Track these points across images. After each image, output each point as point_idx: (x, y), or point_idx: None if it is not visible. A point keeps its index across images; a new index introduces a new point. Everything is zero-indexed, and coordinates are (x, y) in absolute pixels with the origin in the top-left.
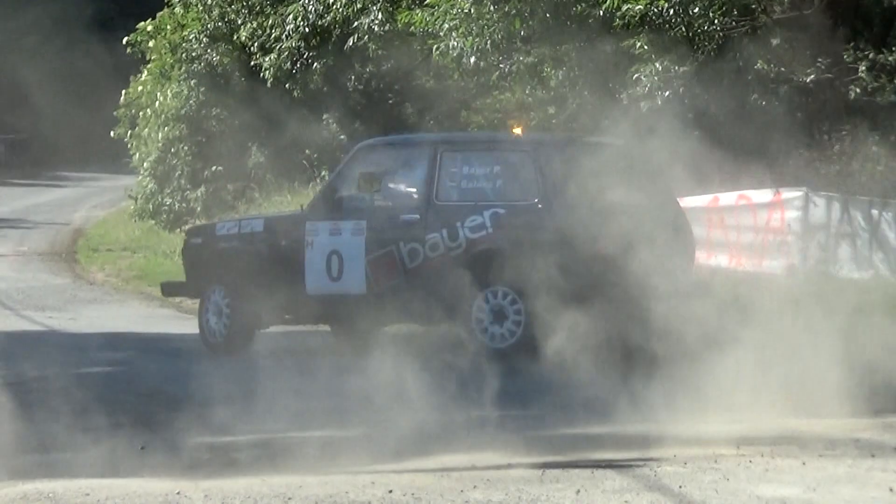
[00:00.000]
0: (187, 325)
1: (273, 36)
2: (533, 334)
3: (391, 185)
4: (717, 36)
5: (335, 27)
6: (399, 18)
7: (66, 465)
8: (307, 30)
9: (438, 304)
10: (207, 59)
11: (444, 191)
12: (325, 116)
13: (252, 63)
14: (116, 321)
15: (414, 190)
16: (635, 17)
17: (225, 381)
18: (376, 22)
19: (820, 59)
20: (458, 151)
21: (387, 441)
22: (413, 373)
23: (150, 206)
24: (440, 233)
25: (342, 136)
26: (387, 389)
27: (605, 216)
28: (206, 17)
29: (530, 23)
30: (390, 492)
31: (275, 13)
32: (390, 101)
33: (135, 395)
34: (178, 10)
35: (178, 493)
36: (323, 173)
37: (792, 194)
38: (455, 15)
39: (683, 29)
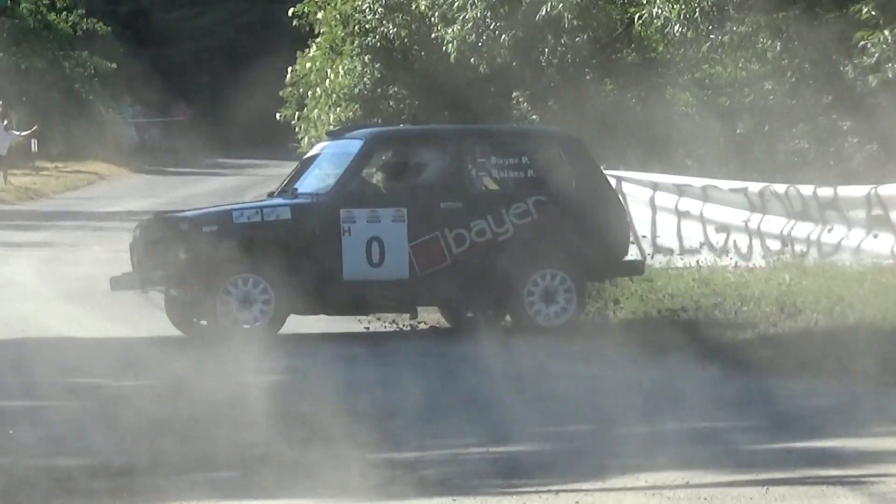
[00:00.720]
0: (346, 324)
1: (456, 5)
2: (580, 312)
3: (424, 175)
4: None
5: None
6: None
7: (232, 485)
8: None
9: (489, 286)
10: (383, 31)
11: (482, 180)
12: (514, 94)
13: (433, 35)
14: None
15: (452, 179)
16: None
17: (396, 389)
18: None
19: None
20: (488, 144)
21: (585, 456)
22: (595, 378)
23: None
24: (485, 219)
25: (534, 116)
26: (569, 397)
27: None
28: None
29: None
30: None
31: None
32: (587, 77)
33: (308, 405)
34: None
35: None
36: None
37: None
38: None
39: None
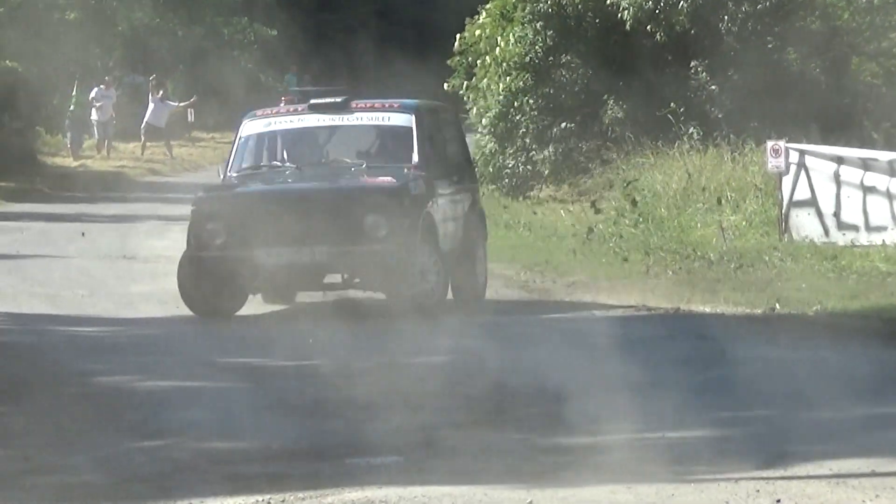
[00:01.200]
0: (534, 308)
1: None
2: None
3: None
4: None
5: None
6: None
7: (395, 470)
8: None
9: None
10: None
11: None
12: (692, 63)
13: (608, 2)
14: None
15: None
16: None
17: (570, 370)
18: None
19: None
20: None
21: (765, 442)
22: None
23: (491, 170)
24: None
25: (713, 86)
26: (748, 380)
27: None
28: None
29: None
30: (777, 501)
31: None
32: (769, 46)
33: (476, 388)
34: None
35: (531, 502)
36: (690, 130)
37: None
38: None
39: None
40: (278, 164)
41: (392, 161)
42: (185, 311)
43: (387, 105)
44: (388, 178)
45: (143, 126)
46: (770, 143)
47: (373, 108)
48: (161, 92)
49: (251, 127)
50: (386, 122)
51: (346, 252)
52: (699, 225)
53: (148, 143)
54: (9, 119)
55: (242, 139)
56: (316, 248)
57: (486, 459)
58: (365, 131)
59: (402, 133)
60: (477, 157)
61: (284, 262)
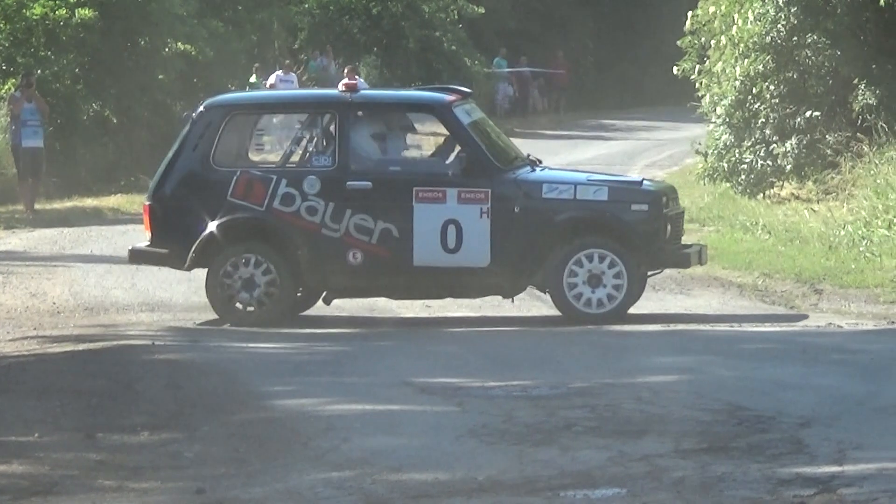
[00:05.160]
0: (778, 321)
1: None
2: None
3: None
4: None
5: None
6: None
7: None
8: None
9: None
10: None
11: None
12: None
13: None
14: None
15: None
16: None
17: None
18: None
19: None
20: None
21: None
22: None
23: (725, 165)
24: None
25: None
26: None
27: None
28: None
29: None
30: None
31: None
32: None
33: (707, 410)
34: None
35: None
36: None
37: None
38: None
39: None
40: None
41: None
42: (376, 326)
43: None
44: None
45: None
46: None
47: None
48: (357, 78)
49: None
50: None
51: None
52: None
53: None
54: (181, 108)
55: None
56: None
57: (720, 492)
58: None
59: None
60: (710, 150)
61: None
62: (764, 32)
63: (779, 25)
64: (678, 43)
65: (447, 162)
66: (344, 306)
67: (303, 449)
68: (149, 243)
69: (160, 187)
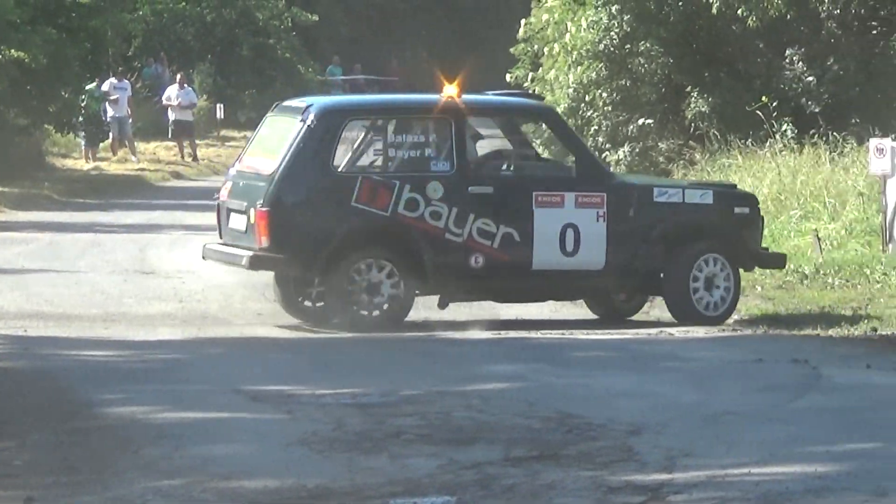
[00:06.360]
0: (609, 328)
1: None
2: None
3: None
4: None
5: None
6: None
7: None
8: None
9: None
10: None
11: None
12: (787, 52)
13: None
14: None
15: None
16: None
17: (642, 398)
18: None
19: None
20: None
21: (862, 480)
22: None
23: None
24: None
25: (810, 78)
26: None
27: None
28: None
29: None
30: None
31: None
32: (873, 32)
33: (537, 418)
34: None
35: None
36: (784, 126)
37: None
38: None
39: None
40: None
41: None
42: (209, 332)
43: None
44: None
45: (170, 125)
46: (874, 142)
47: None
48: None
49: None
50: None
51: None
52: (793, 234)
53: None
54: (14, 116)
55: None
56: None
57: (550, 500)
58: None
59: None
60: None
61: None
62: (597, 40)
63: (612, 33)
64: (511, 50)
65: (565, 166)
66: (177, 314)
67: (134, 457)
68: (262, 248)
69: (278, 194)
